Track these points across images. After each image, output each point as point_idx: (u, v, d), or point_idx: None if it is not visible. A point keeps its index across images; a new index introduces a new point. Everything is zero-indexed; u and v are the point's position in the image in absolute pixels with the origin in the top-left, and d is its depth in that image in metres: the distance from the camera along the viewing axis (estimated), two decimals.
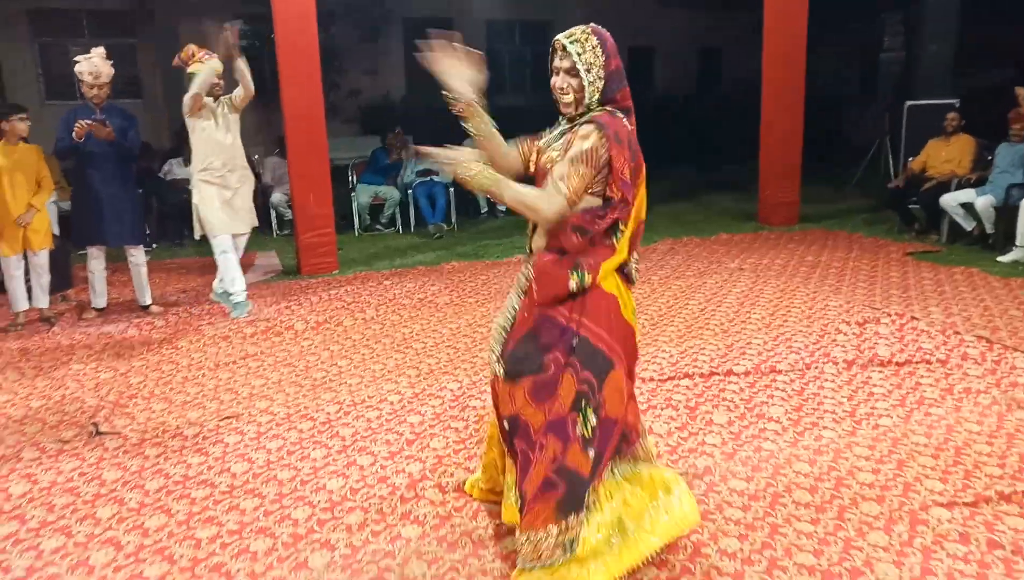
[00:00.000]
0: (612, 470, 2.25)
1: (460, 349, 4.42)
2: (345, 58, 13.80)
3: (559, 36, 2.19)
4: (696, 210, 9.42)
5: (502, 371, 2.22)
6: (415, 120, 11.73)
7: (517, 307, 2.29)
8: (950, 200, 6.81)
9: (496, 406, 2.32)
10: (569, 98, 2.18)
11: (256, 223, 5.39)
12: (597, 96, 2.17)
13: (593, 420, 2.10)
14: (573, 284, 2.15)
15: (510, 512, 2.26)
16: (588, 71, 2.15)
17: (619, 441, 2.24)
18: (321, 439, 3.24)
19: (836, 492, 2.70)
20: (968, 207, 6.74)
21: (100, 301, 5.33)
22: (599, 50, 2.16)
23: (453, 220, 8.66)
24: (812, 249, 6.90)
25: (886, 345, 4.22)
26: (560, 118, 2.29)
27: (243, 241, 5.32)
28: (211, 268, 6.85)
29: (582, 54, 2.16)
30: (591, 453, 2.11)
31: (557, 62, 2.19)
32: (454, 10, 15.67)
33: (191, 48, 5.00)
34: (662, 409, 3.46)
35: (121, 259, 5.54)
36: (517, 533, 2.13)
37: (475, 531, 2.48)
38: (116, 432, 3.35)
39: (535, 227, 2.27)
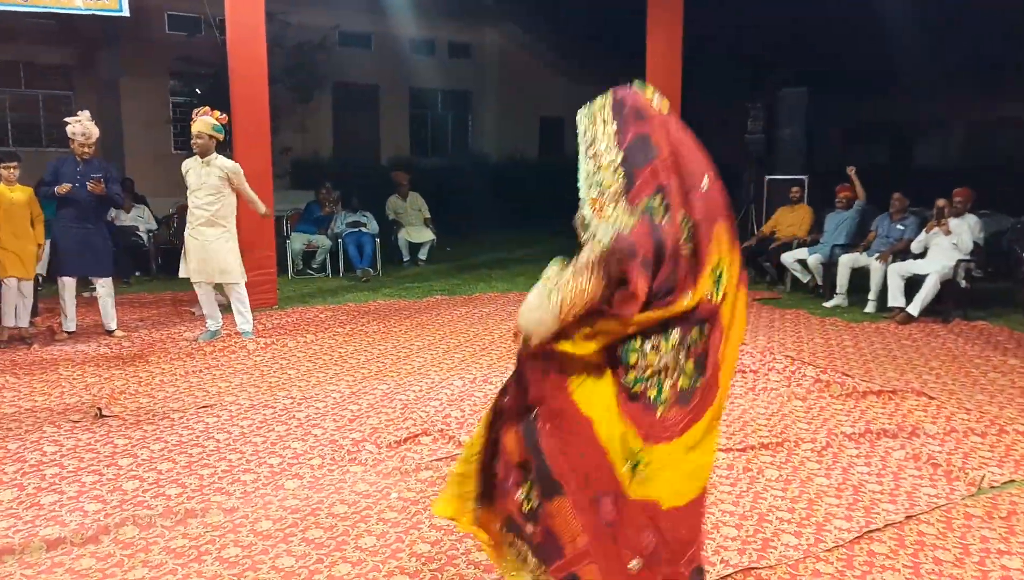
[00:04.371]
0: None
1: (388, 363, 5.47)
2: (278, 117, 14.80)
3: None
4: None
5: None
6: (341, 176, 12.85)
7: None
8: (788, 257, 8.38)
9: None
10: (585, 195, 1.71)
11: (227, 280, 5.91)
12: (619, 184, 1.66)
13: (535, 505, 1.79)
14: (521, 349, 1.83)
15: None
16: (589, 148, 1.69)
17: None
18: (282, 419, 4.23)
19: None
20: (803, 263, 8.30)
21: (71, 325, 6.13)
22: (610, 114, 1.69)
23: (379, 266, 9.73)
24: None
25: None
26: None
27: (234, 288, 5.97)
28: (160, 302, 7.72)
29: (587, 131, 1.71)
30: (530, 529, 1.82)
31: None
32: (381, 77, 17.02)
33: (202, 110, 5.81)
34: None
35: (80, 291, 6.35)
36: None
37: (403, 467, 3.54)
38: (115, 415, 4.24)
39: None
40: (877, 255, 7.44)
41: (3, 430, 4.00)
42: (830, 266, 7.97)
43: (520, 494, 1.79)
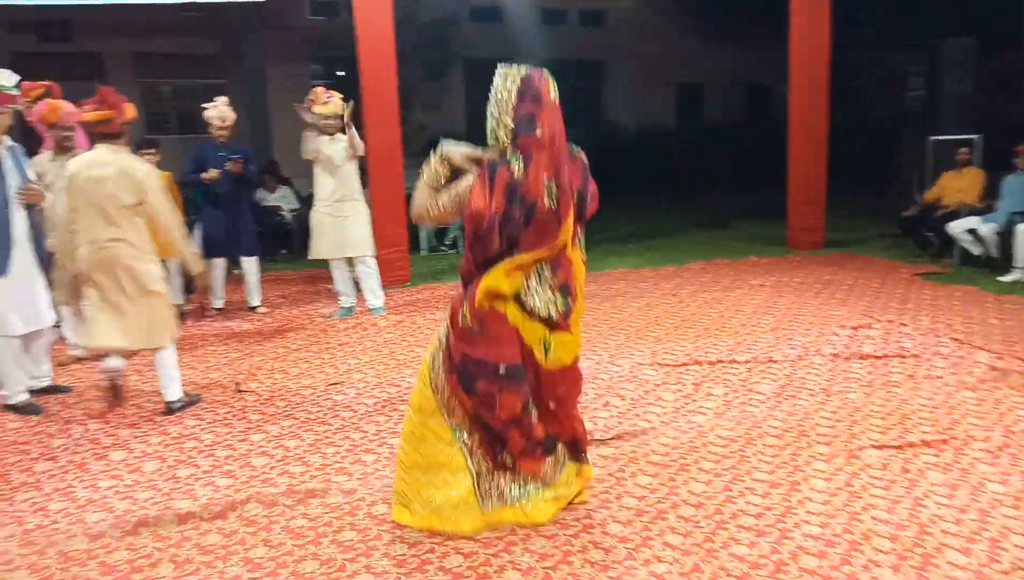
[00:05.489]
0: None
1: None
2: (412, 96, 15.07)
3: None
4: (731, 235, 10.25)
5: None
6: None
7: None
8: (957, 227, 7.52)
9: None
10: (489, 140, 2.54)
11: (363, 252, 6.01)
12: (506, 141, 2.46)
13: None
14: (463, 324, 2.55)
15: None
16: (495, 108, 2.46)
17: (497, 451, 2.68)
18: (407, 398, 4.17)
19: (797, 439, 3.54)
20: (974, 233, 7.43)
21: (219, 302, 6.49)
22: (516, 88, 2.43)
23: None
24: (829, 269, 7.66)
25: (872, 344, 5.01)
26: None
27: (367, 263, 6.08)
28: (302, 279, 8.02)
29: (498, 91, 2.45)
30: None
31: None
32: (512, 51, 16.92)
33: (318, 91, 5.86)
34: (673, 385, 4.33)
35: (231, 269, 6.69)
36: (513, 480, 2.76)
37: None
38: (252, 390, 4.41)
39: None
40: None
41: (154, 403, 4.24)
42: (1007, 236, 7.08)
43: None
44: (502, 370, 2.55)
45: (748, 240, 9.74)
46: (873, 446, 3.43)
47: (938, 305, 6.07)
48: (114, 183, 3.85)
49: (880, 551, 2.58)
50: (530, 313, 2.56)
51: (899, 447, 3.41)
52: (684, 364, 4.69)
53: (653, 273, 7.85)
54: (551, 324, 2.59)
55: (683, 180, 14.79)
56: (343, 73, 15.54)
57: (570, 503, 2.91)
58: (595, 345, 5.21)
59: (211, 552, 2.69)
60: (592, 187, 2.70)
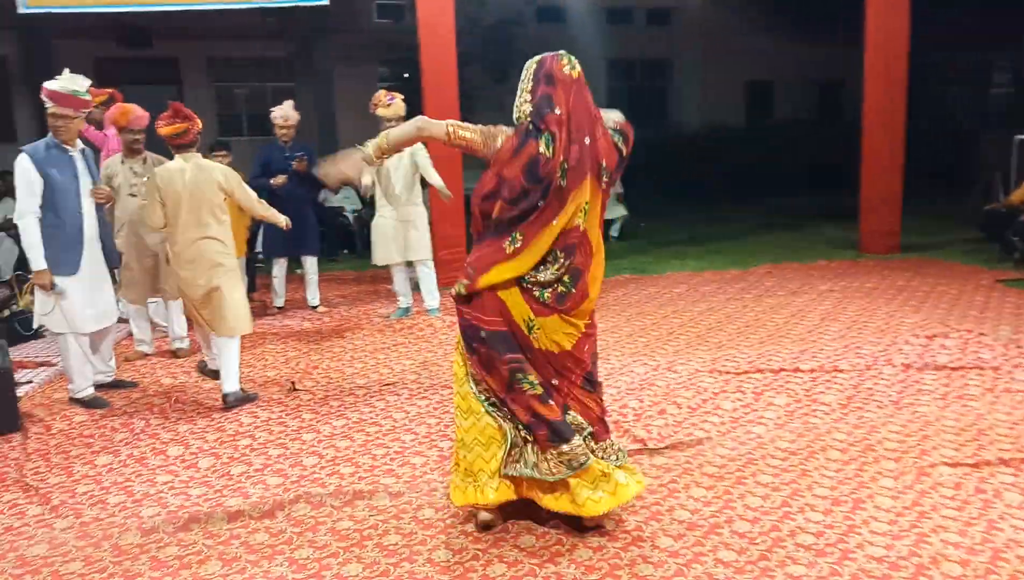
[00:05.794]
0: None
1: None
2: (475, 98, 15.11)
3: None
4: (800, 237, 9.90)
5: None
6: None
7: None
8: None
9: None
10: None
11: (423, 255, 6.04)
12: (523, 116, 2.60)
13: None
14: (455, 290, 2.67)
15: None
16: (519, 94, 2.61)
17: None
18: None
19: (863, 454, 3.37)
20: None
21: (280, 301, 6.61)
22: (532, 74, 2.59)
23: None
24: (905, 275, 7.30)
25: (947, 354, 4.74)
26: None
27: (426, 264, 6.11)
28: (362, 279, 8.12)
29: (522, 82, 2.61)
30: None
31: None
32: (578, 50, 16.78)
33: (380, 94, 5.90)
34: (732, 394, 4.19)
35: (293, 269, 6.82)
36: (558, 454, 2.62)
37: None
38: (307, 389, 4.46)
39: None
40: None
41: (212, 399, 4.33)
42: None
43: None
44: (483, 333, 2.63)
45: (818, 243, 9.40)
46: (945, 463, 3.23)
47: (1021, 314, 5.72)
48: (199, 184, 4.24)
49: (950, 577, 2.41)
50: (527, 289, 2.61)
51: (974, 465, 3.21)
52: (745, 372, 4.53)
53: (716, 277, 7.65)
54: (541, 306, 2.61)
55: (751, 180, 14.39)
56: (408, 76, 15.71)
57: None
58: (652, 350, 5.09)
59: (258, 551, 2.71)
60: (628, 131, 2.77)
